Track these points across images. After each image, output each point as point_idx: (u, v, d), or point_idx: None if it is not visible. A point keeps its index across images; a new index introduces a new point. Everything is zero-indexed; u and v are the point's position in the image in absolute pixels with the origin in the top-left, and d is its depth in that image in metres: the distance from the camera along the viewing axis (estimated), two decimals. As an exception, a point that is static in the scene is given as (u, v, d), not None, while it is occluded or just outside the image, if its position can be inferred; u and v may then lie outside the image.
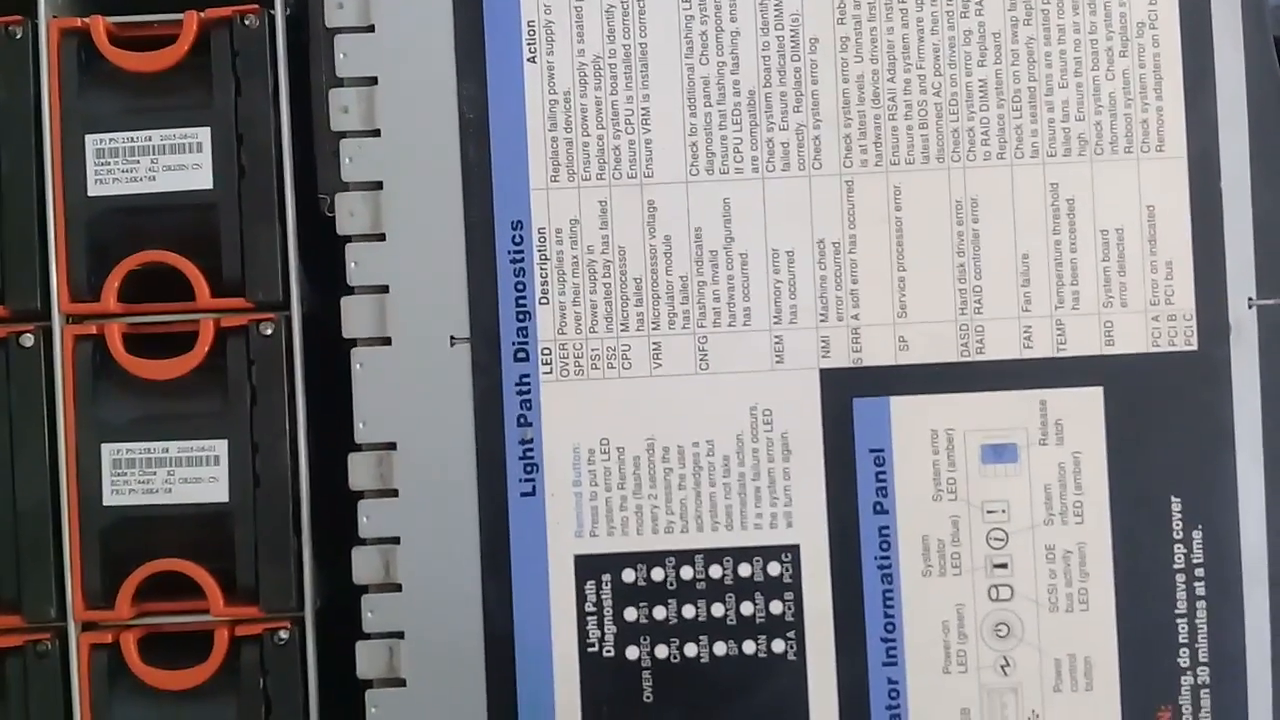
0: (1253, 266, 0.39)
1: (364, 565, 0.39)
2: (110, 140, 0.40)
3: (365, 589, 0.39)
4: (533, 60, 0.39)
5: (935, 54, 0.39)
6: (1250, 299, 0.39)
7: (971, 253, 0.39)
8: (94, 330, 0.40)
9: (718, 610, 0.39)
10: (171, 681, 0.39)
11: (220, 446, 0.39)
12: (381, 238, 0.39)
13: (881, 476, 0.39)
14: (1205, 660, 0.39)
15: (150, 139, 0.40)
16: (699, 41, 0.39)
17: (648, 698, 0.39)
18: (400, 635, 0.39)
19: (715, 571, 0.39)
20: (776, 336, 0.39)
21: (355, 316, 0.39)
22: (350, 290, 0.39)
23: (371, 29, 0.39)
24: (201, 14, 0.40)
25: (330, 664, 0.40)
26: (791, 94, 0.39)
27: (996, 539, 0.39)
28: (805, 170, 0.39)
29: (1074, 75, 0.39)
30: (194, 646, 0.40)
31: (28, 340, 0.40)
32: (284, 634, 0.40)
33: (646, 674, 0.39)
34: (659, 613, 0.39)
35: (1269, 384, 0.39)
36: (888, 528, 0.39)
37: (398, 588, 0.39)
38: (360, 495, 0.39)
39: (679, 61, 0.39)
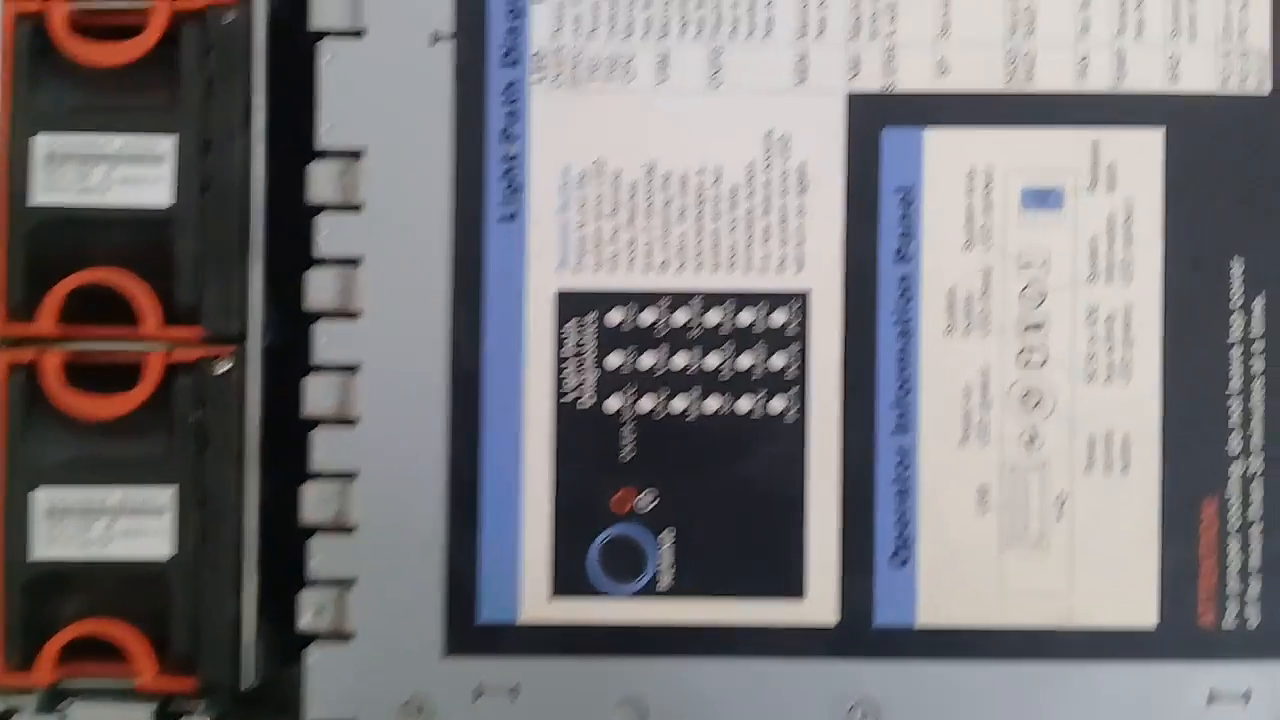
0: (1335, 9, 0.35)
1: (319, 287, 0.35)
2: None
3: (318, 316, 0.35)
4: None
5: None
6: (1333, 45, 0.34)
7: (1024, -26, 0.34)
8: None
9: (713, 361, 0.35)
10: (97, 409, 0.35)
11: (168, 144, 0.35)
12: (357, -79, 0.35)
13: (907, 219, 0.34)
14: (1259, 447, 0.34)
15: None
16: None
17: (627, 455, 0.35)
18: (353, 369, 0.35)
19: (714, 317, 0.35)
20: (800, 52, 0.34)
21: (327, 2, 0.35)
22: (322, -19, 0.35)
23: None
24: None
25: (273, 405, 0.36)
26: None
27: (1032, 296, 0.34)
28: (842, -125, 0.35)
29: None
30: (123, 383, 0.35)
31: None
32: (225, 363, 0.35)
33: (628, 428, 0.35)
34: (647, 360, 0.35)
35: (1350, 137, 0.34)
36: (909, 277, 0.34)
37: (356, 315, 0.35)
38: (319, 209, 0.35)
39: None
